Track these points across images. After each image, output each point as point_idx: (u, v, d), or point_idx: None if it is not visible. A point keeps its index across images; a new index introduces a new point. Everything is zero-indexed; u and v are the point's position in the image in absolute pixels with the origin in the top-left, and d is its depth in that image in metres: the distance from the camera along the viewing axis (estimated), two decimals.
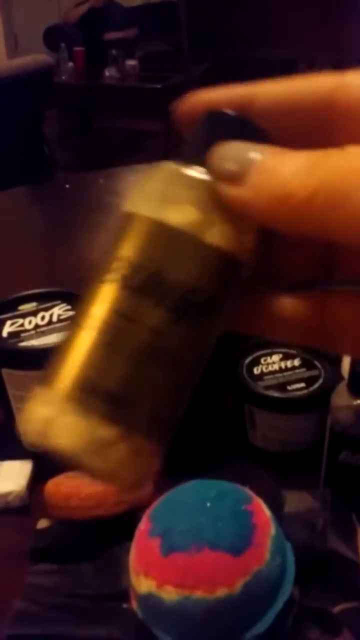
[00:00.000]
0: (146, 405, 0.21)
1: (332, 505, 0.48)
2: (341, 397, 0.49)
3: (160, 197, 0.22)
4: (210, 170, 0.21)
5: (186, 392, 0.22)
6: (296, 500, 0.49)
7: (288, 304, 0.23)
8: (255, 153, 0.20)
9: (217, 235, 0.21)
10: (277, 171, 0.20)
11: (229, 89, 0.23)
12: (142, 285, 0.21)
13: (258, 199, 0.20)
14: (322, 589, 0.43)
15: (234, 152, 0.21)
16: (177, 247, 0.21)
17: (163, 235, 0.21)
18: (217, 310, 0.22)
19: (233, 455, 0.61)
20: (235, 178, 0.20)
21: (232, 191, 0.21)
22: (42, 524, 0.49)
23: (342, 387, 0.49)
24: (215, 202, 0.21)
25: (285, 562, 0.42)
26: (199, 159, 0.22)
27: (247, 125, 0.22)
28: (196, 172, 0.22)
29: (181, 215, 0.21)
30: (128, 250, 0.21)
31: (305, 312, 0.23)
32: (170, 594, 0.38)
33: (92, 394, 0.20)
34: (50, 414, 0.21)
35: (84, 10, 4.52)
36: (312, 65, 2.30)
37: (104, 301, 0.21)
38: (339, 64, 2.27)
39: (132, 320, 0.21)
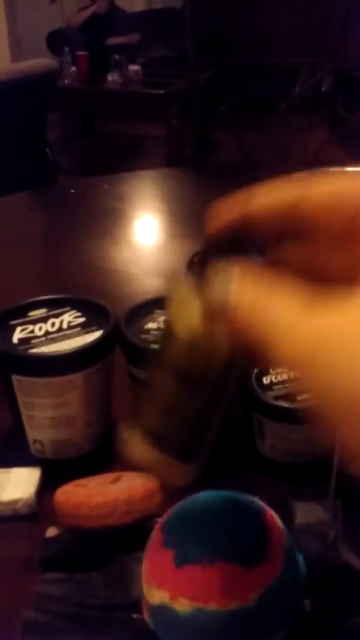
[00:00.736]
0: (175, 440, 0.34)
1: (343, 516, 0.48)
2: None
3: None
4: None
5: (208, 432, 0.35)
6: (307, 511, 0.48)
7: None
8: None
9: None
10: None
11: (273, 194, 0.29)
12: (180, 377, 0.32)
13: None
14: (334, 602, 0.43)
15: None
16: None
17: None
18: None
19: (242, 465, 0.61)
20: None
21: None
22: (51, 532, 0.49)
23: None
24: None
25: (299, 575, 0.42)
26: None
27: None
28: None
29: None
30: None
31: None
32: (183, 606, 0.37)
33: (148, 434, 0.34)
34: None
35: (87, 15, 4.53)
36: (314, 73, 2.31)
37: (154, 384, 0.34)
38: (341, 73, 2.29)
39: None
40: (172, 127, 3.35)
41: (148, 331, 0.58)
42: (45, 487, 0.53)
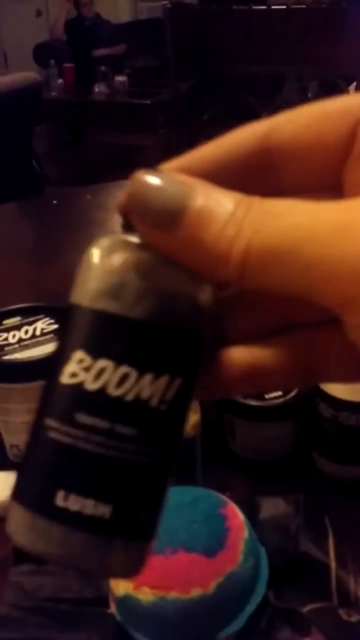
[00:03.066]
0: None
1: (306, 509, 0.50)
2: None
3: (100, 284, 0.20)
4: (138, 214, 0.20)
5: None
6: (271, 506, 0.50)
7: (266, 355, 0.22)
8: (186, 194, 0.19)
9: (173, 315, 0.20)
10: (211, 220, 0.19)
11: (173, 162, 0.22)
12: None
13: (194, 252, 0.19)
14: (294, 591, 0.45)
15: (162, 194, 0.19)
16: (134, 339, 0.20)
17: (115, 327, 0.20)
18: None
19: (214, 463, 0.63)
20: (164, 223, 0.19)
21: (162, 239, 0.19)
22: None
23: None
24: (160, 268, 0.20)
25: (259, 565, 0.43)
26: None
27: None
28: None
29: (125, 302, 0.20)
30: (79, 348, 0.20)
31: (287, 359, 0.22)
32: (146, 595, 0.39)
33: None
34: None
35: (64, 19, 4.54)
36: (300, 81, 2.34)
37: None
38: (326, 80, 2.32)
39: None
40: (160, 136, 3.38)
41: None
42: None
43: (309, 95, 2.58)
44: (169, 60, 2.26)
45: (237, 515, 0.44)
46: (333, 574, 0.45)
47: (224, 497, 0.45)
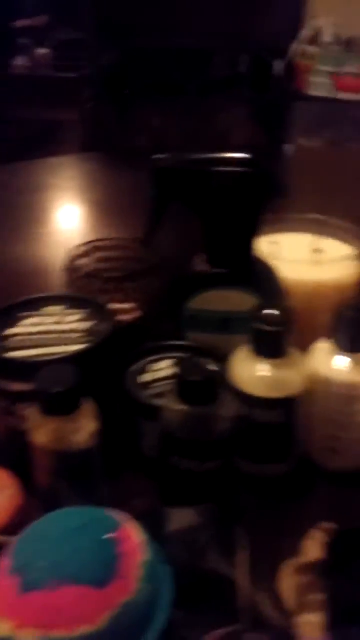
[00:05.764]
0: None
1: (216, 520, 0.46)
2: (170, 401, 0.47)
3: None
4: None
5: None
6: (179, 518, 0.46)
7: None
8: None
9: None
10: None
11: None
12: None
13: None
14: (201, 612, 0.41)
15: None
16: None
17: None
18: None
19: (126, 468, 0.59)
20: None
21: None
22: None
23: (171, 391, 0.48)
24: None
25: (160, 589, 0.40)
26: None
27: None
28: None
29: None
30: None
31: None
32: (27, 636, 0.35)
33: None
34: None
35: None
36: (231, 55, 2.29)
37: None
38: (254, 54, 2.27)
39: None
40: (85, 112, 3.27)
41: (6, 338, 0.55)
42: None
43: (240, 71, 2.55)
44: (89, 33, 2.19)
45: (132, 536, 0.40)
46: (242, 591, 0.41)
47: (119, 517, 0.41)
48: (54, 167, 1.46)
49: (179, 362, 0.53)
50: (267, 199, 0.56)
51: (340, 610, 0.41)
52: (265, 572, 0.44)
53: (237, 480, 0.52)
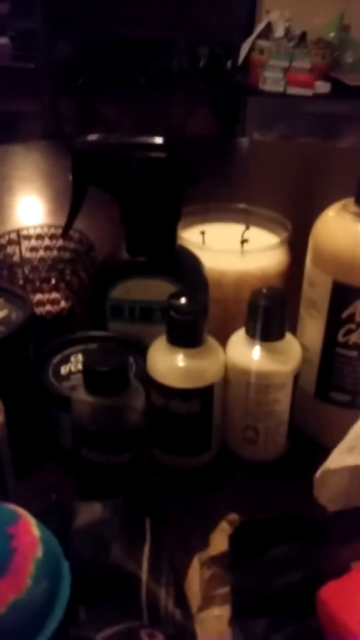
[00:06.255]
0: None
1: (124, 514, 0.45)
2: (79, 392, 0.46)
3: None
4: None
5: None
6: (87, 512, 0.45)
7: None
8: None
9: None
10: None
11: None
12: None
13: None
14: (103, 608, 0.40)
15: None
16: None
17: None
18: None
19: (46, 461, 0.58)
20: None
21: None
22: None
23: (80, 383, 0.47)
24: None
25: (58, 586, 0.38)
26: None
27: None
28: None
29: None
30: None
31: None
32: None
33: None
34: None
35: None
36: (183, 48, 2.28)
37: None
38: (205, 47, 2.25)
39: None
40: (44, 102, 3.23)
41: None
42: None
43: (200, 64, 2.53)
44: (43, 23, 2.15)
45: (30, 531, 0.38)
46: (143, 587, 0.40)
47: (17, 512, 0.39)
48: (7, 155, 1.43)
49: (85, 353, 0.52)
50: (183, 186, 0.55)
51: (243, 603, 0.40)
52: (173, 566, 0.43)
53: (152, 472, 0.51)
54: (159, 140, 0.55)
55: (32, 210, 1.17)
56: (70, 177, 0.58)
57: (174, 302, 0.50)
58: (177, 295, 0.50)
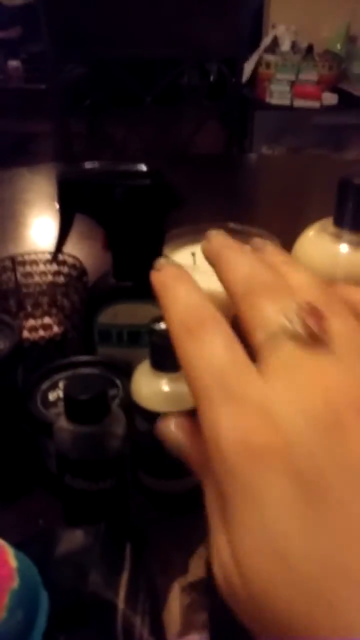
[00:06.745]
0: None
1: (105, 540, 0.45)
2: (60, 420, 0.47)
3: None
4: None
5: None
6: (68, 539, 0.46)
7: None
8: None
9: None
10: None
11: None
12: None
13: None
14: (80, 636, 0.40)
15: None
16: None
17: None
18: None
19: (36, 486, 0.58)
20: None
21: None
22: None
23: (61, 411, 0.47)
24: None
25: (35, 616, 0.39)
26: None
27: None
28: None
29: None
30: None
31: None
32: None
33: None
34: None
35: None
36: (198, 65, 2.30)
37: None
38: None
39: None
40: (55, 123, 3.27)
41: None
42: None
43: (211, 80, 2.55)
44: (51, 45, 2.18)
45: (6, 562, 0.39)
46: (119, 615, 0.40)
47: None
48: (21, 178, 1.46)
49: (66, 381, 0.53)
50: (167, 211, 0.55)
51: (221, 630, 0.40)
52: (152, 593, 0.43)
53: (135, 494, 0.51)
54: (142, 167, 0.56)
55: (34, 234, 1.18)
56: (57, 206, 0.59)
57: (155, 327, 0.50)
58: (158, 320, 0.51)
